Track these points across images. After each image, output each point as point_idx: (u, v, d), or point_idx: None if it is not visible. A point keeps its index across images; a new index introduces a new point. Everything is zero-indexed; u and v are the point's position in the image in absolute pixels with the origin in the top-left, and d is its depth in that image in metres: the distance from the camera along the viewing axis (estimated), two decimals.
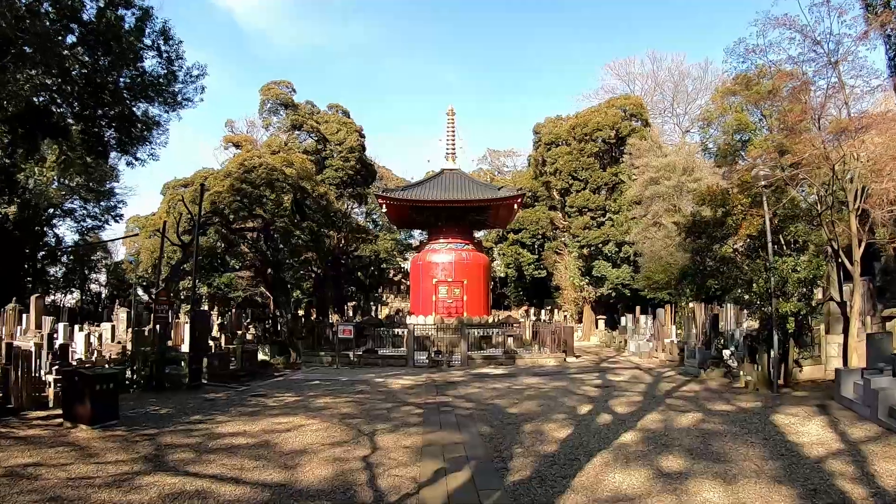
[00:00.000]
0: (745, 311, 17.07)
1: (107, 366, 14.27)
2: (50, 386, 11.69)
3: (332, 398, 12.13)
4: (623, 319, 30.01)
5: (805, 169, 14.01)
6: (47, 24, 11.60)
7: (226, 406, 11.16)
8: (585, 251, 34.58)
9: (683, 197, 26.29)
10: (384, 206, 29.04)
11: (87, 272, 44.02)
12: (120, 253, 50.54)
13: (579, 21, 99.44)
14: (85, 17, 12.27)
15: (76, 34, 12.40)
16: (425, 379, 15.67)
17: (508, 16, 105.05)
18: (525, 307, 42.87)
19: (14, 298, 22.75)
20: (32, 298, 21.60)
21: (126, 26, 12.76)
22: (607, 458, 6.99)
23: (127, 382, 13.21)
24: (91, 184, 34.92)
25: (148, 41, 13.15)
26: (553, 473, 6.40)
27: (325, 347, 22.15)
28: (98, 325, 23.48)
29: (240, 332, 24.16)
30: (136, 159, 14.58)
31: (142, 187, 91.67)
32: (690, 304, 20.71)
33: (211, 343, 19.40)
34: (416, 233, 48.78)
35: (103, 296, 46.29)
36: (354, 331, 21.36)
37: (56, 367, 12.57)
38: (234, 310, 31.10)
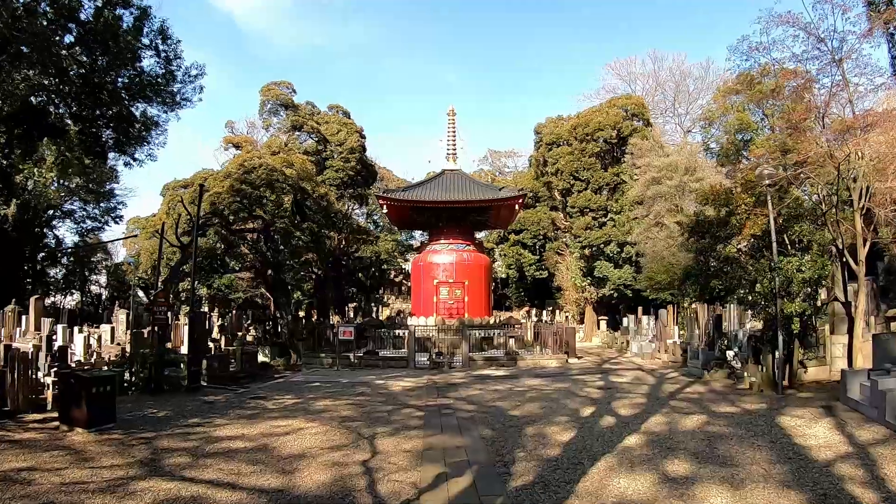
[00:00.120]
0: (749, 312, 16.93)
1: (105, 368, 14.16)
2: (48, 388, 11.57)
3: (332, 400, 12.01)
4: (625, 320, 29.85)
5: (809, 168, 13.89)
6: (45, 23, 11.52)
7: (224, 409, 11.04)
8: (587, 252, 34.43)
9: (685, 197, 26.16)
10: (385, 206, 28.94)
11: (87, 274, 43.90)
12: (120, 254, 50.55)
13: (579, 21, 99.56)
14: (83, 16, 12.21)
15: (74, 34, 12.35)
16: (426, 381, 15.55)
17: (508, 16, 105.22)
18: (526, 308, 42.73)
19: (13, 300, 22.63)
20: (32, 300, 21.47)
21: (124, 26, 12.69)
22: (612, 462, 6.87)
23: (125, 385, 13.10)
24: (91, 185, 34.87)
25: (146, 41, 13.11)
26: (557, 478, 6.27)
27: (325, 349, 22.03)
28: (98, 327, 23.36)
29: (240, 334, 24.04)
30: (134, 160, 14.55)
31: (142, 188, 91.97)
32: (693, 305, 20.58)
33: (211, 345, 19.30)
34: (417, 234, 48.67)
35: (104, 297, 46.20)
36: (355, 332, 21.23)
37: (55, 369, 12.46)
38: (234, 311, 30.99)
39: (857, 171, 13.13)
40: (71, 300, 44.84)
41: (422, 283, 29.20)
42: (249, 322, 30.24)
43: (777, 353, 12.16)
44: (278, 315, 31.46)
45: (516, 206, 29.26)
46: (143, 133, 14.23)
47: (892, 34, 16.56)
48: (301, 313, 37.75)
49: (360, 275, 44.55)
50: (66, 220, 38.52)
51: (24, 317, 21.25)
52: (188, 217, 22.04)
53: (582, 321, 36.07)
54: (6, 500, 5.52)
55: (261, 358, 19.81)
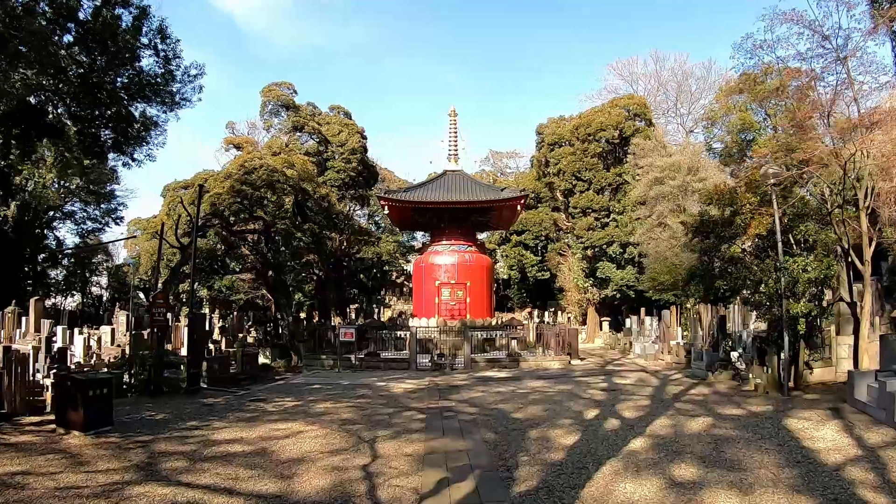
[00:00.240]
0: (753, 313, 16.76)
1: (105, 369, 14.07)
2: (47, 390, 11.47)
3: (333, 403, 11.89)
4: (628, 321, 29.68)
5: (814, 167, 13.75)
6: (43, 22, 11.44)
7: (224, 411, 10.92)
8: (589, 252, 34.29)
9: (689, 197, 26.02)
10: (386, 207, 28.81)
11: (87, 275, 43.89)
12: (121, 255, 50.51)
13: (579, 21, 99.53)
14: (81, 15, 12.12)
15: (72, 33, 12.26)
16: (428, 382, 15.42)
17: (508, 16, 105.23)
18: (528, 309, 42.58)
19: (13, 301, 22.57)
20: (32, 301, 21.41)
21: (123, 25, 12.60)
22: (617, 466, 6.73)
23: (124, 386, 13.00)
24: (91, 186, 34.85)
25: (145, 40, 13.02)
26: (561, 483, 6.13)
27: (326, 350, 21.91)
28: (98, 329, 23.28)
29: (241, 335, 23.95)
30: (133, 160, 14.45)
31: (143, 189, 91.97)
32: (696, 306, 20.41)
33: (211, 346, 19.20)
34: (419, 235, 48.54)
35: (105, 299, 46.17)
36: (356, 334, 21.10)
37: (54, 370, 12.36)
38: (235, 313, 30.90)
39: (862, 170, 12.99)
40: (72, 301, 44.81)
41: (423, 284, 29.07)
42: (250, 323, 30.15)
43: (783, 355, 12.02)
44: (279, 316, 31.33)
45: (518, 207, 29.11)
46: (143, 133, 14.13)
47: (895, 32, 16.41)
48: (302, 315, 37.65)
49: (361, 276, 44.43)
50: (66, 221, 38.58)
51: (24, 318, 21.18)
52: (188, 218, 21.95)
53: (584, 322, 35.92)
54: None
55: (261, 359, 19.72)
